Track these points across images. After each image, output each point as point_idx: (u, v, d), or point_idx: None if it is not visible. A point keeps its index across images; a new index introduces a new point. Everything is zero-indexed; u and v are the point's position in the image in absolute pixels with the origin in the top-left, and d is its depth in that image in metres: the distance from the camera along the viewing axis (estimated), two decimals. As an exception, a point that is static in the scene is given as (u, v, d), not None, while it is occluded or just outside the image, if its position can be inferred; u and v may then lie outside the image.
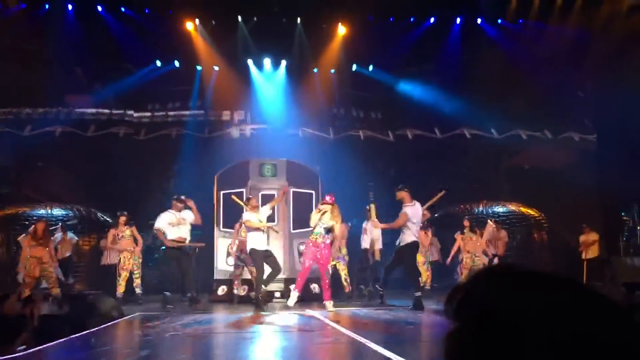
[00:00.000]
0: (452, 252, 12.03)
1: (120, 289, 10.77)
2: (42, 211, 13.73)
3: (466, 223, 11.63)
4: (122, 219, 11.50)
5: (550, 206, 15.51)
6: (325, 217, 9.30)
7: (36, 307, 7.15)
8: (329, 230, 9.35)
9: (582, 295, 0.64)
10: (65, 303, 8.99)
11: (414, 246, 9.38)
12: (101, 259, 12.54)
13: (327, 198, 9.50)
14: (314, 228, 9.39)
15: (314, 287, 10.45)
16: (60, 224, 12.85)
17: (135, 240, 11.54)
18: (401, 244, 9.36)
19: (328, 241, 9.49)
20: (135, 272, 11.09)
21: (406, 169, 16.55)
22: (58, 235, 12.35)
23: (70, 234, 12.77)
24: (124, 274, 10.97)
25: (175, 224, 9.89)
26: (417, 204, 9.39)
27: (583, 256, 13.30)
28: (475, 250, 11.18)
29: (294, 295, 9.26)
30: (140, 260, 11.30)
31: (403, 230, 9.30)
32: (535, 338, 0.59)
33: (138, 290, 11.10)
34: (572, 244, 13.80)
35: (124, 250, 11.18)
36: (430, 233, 12.73)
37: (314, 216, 9.40)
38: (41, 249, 10.34)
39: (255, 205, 9.71)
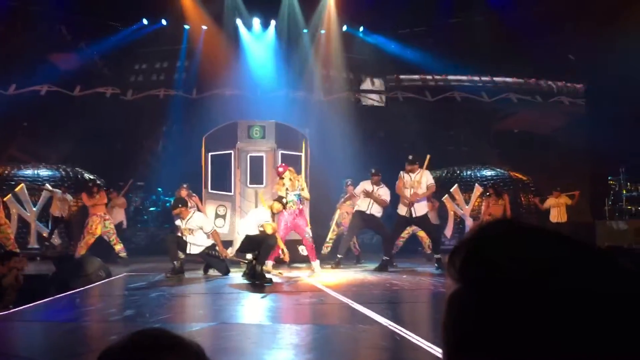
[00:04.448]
0: (483, 216, 12.20)
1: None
2: (28, 172, 13.60)
3: (491, 190, 11.67)
4: (184, 192, 11.20)
5: (539, 170, 15.56)
6: (287, 185, 9.30)
7: (21, 268, 7.15)
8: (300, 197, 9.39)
9: (591, 254, 0.60)
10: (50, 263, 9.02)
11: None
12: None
13: (280, 169, 9.56)
14: (286, 197, 9.36)
15: (302, 249, 10.51)
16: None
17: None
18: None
19: (302, 206, 9.55)
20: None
21: (396, 132, 16.48)
22: (58, 191, 12.28)
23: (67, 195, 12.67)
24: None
25: None
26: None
27: (552, 219, 12.80)
28: (498, 214, 11.07)
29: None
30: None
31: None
32: (540, 298, 0.56)
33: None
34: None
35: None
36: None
37: (280, 190, 9.39)
38: (101, 207, 10.78)
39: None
